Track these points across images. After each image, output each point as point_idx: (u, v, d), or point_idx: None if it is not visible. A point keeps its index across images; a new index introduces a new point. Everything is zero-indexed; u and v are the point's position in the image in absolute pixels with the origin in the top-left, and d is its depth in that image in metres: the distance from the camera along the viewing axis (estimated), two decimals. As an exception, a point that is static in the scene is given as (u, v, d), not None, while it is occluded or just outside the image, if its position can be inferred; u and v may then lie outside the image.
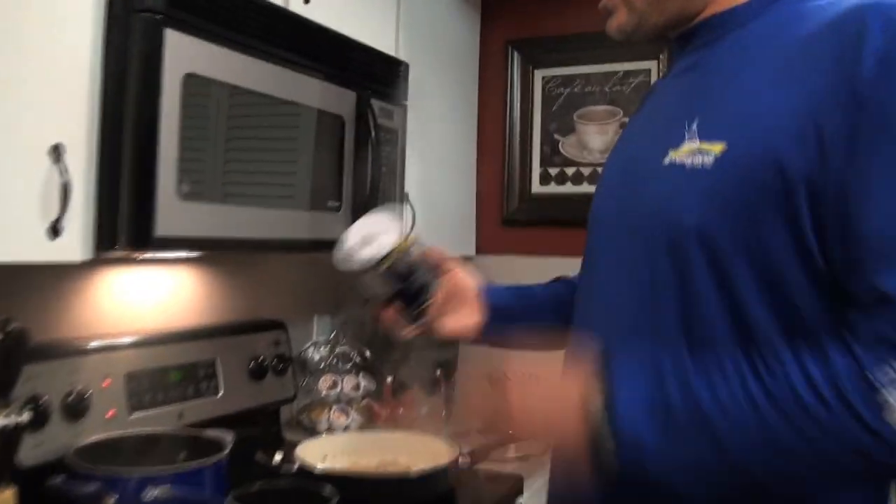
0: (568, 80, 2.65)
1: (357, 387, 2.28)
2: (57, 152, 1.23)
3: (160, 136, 1.31)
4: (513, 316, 1.32)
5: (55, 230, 1.24)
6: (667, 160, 0.93)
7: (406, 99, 2.04)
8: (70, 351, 1.63)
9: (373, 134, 1.84)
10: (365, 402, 2.30)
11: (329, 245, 1.78)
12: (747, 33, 0.96)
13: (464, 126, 2.66)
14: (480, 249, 2.78)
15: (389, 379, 2.38)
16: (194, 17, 1.36)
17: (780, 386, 0.81)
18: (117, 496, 1.36)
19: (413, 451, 1.82)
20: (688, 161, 0.90)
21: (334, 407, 2.24)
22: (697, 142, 0.90)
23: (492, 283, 1.35)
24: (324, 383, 2.26)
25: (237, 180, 1.53)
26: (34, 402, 1.48)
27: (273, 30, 1.58)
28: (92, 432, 1.58)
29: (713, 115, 0.92)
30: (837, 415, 0.78)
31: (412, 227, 1.20)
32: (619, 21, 1.06)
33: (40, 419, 1.50)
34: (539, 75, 2.72)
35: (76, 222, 1.28)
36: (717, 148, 0.88)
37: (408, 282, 1.23)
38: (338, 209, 1.79)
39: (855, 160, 0.80)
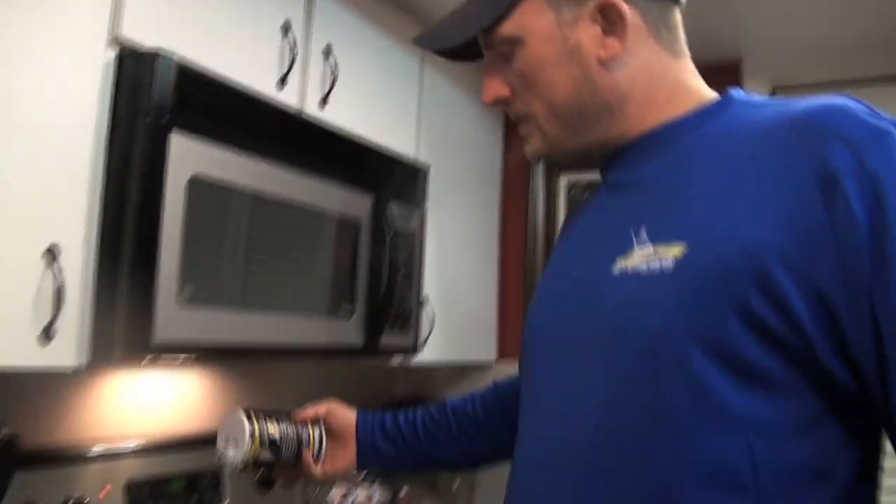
0: (592, 185, 2.63)
1: (369, 498, 2.21)
2: (52, 253, 1.20)
3: (161, 238, 1.28)
4: (382, 451, 1.35)
5: (48, 334, 1.20)
6: (616, 270, 0.87)
7: (425, 202, 2.02)
8: (67, 457, 1.59)
9: (387, 238, 1.81)
10: (378, 515, 2.23)
11: (342, 350, 1.73)
12: (687, 148, 0.91)
13: (486, 229, 2.65)
14: (502, 355, 2.72)
15: (405, 489, 2.31)
16: (203, 121, 1.36)
17: None
18: None
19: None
20: (643, 267, 0.85)
21: (346, 520, 2.17)
22: (650, 246, 0.85)
23: (369, 415, 1.37)
24: (335, 495, 2.20)
25: (242, 284, 1.50)
26: None
27: (286, 134, 1.58)
28: (88, 546, 1.52)
29: (664, 220, 0.87)
30: None
31: (254, 420, 1.25)
32: (532, 147, 1.03)
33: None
34: (563, 180, 2.70)
35: (71, 326, 1.24)
36: (675, 249, 0.82)
37: (283, 451, 1.27)
38: (351, 313, 1.75)
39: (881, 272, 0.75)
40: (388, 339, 1.87)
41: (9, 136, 1.18)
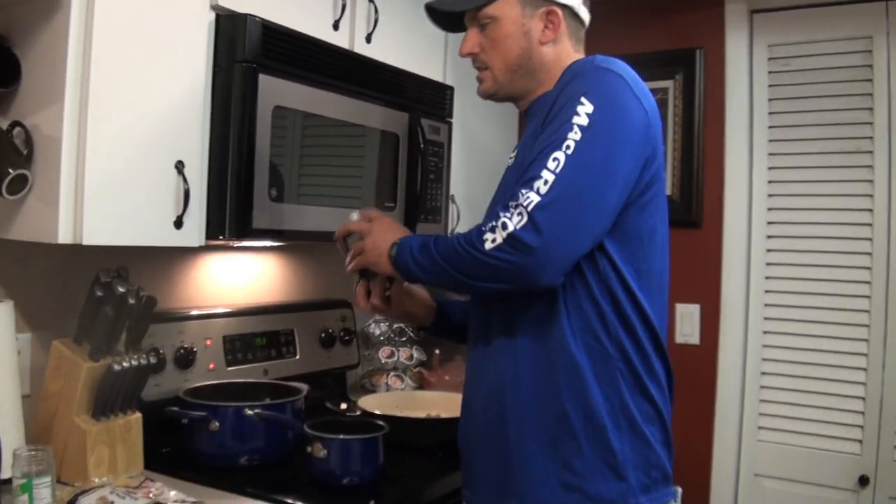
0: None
1: (410, 357, 2.70)
2: (179, 167, 1.67)
3: (256, 154, 1.74)
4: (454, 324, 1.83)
5: (178, 223, 1.69)
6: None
7: (451, 117, 2.45)
8: (181, 316, 2.09)
9: (421, 147, 2.26)
10: (417, 369, 2.72)
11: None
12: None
13: (505, 136, 2.99)
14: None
15: (437, 351, 2.78)
16: (281, 64, 1.79)
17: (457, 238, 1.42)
18: (219, 421, 1.82)
19: (453, 407, 2.10)
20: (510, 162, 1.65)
21: (391, 373, 2.66)
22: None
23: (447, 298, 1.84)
24: (383, 353, 2.68)
25: (314, 185, 1.96)
26: (155, 353, 1.87)
27: (341, 68, 2.00)
28: (197, 379, 2.03)
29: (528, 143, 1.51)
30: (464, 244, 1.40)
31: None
32: (484, 87, 1.64)
33: (159, 366, 1.94)
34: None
35: (193, 217, 1.72)
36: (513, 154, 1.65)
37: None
38: (393, 208, 2.21)
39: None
40: (422, 228, 2.30)
41: (146, 83, 1.62)
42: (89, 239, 1.54)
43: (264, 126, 1.75)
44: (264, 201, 1.76)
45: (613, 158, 1.39)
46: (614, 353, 1.45)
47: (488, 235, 1.36)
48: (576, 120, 1.37)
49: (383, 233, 1.56)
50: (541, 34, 1.56)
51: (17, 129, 1.61)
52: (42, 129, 1.57)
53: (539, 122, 1.48)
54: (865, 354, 2.64)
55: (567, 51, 1.58)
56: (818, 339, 2.73)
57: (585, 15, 1.61)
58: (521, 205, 1.34)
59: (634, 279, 1.46)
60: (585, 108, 1.38)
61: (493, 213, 1.39)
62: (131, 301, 1.67)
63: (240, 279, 2.39)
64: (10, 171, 1.55)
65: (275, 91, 1.78)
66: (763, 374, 2.83)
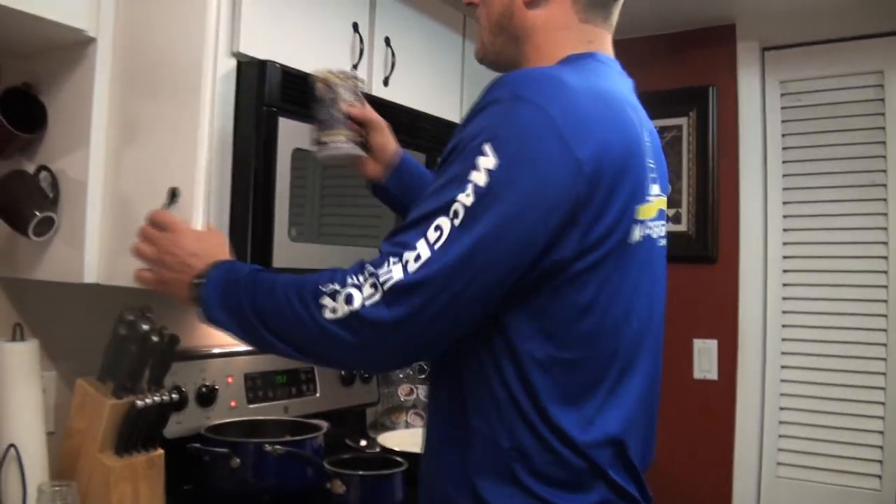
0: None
1: (429, 394, 2.71)
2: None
3: (275, 193, 1.78)
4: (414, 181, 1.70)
5: (200, 262, 1.72)
6: None
7: (468, 156, 2.48)
8: (203, 354, 2.12)
9: (438, 186, 2.29)
10: (436, 406, 2.73)
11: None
12: None
13: None
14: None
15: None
16: (300, 107, 1.83)
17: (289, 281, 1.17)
18: (240, 458, 1.84)
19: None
20: None
21: (411, 411, 2.68)
22: None
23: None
24: (402, 391, 2.70)
25: (335, 224, 2.00)
26: (177, 391, 1.92)
27: None
28: (219, 417, 2.07)
29: None
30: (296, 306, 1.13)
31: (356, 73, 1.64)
32: (476, 48, 1.41)
33: (181, 404, 1.97)
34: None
35: (215, 257, 1.76)
36: None
37: (323, 107, 1.61)
38: (410, 246, 2.24)
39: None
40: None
41: (169, 127, 1.66)
42: (114, 279, 1.58)
43: (284, 168, 1.79)
44: (284, 241, 1.80)
45: (515, 230, 1.07)
46: (507, 445, 1.15)
47: (327, 302, 1.09)
48: (472, 177, 1.07)
49: (186, 256, 1.31)
50: None
51: (43, 173, 1.66)
52: (68, 172, 1.63)
53: (453, 137, 1.18)
54: (883, 388, 2.64)
55: (563, 18, 1.27)
56: (836, 373, 2.74)
57: None
58: (379, 278, 1.07)
59: (536, 369, 1.13)
60: (487, 160, 1.07)
61: (371, 261, 1.11)
62: (155, 339, 1.71)
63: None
64: (37, 213, 1.60)
65: (295, 134, 1.82)
66: (781, 409, 2.83)
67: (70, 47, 1.62)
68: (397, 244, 1.09)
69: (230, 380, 2.15)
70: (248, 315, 1.17)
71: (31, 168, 1.69)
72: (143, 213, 1.51)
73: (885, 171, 2.67)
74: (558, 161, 1.07)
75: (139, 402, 1.69)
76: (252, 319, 1.17)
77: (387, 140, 1.73)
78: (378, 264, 1.08)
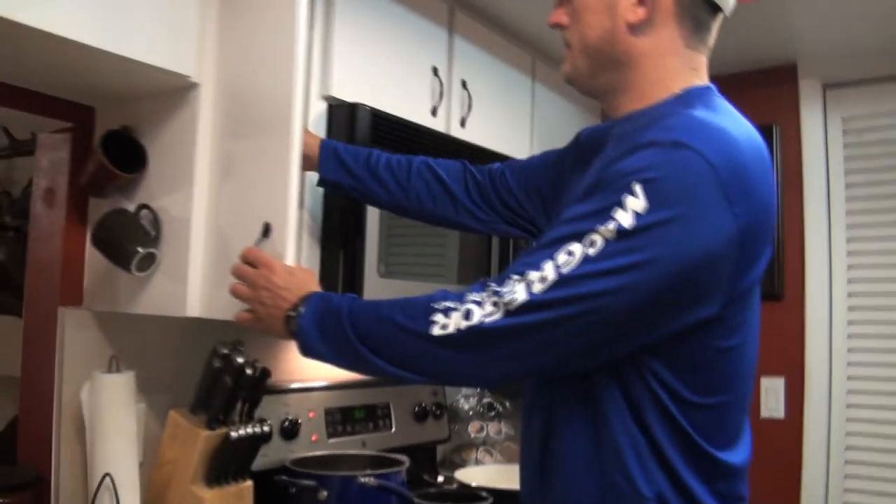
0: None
1: (499, 431, 2.73)
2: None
3: (366, 232, 1.84)
4: (346, 162, 1.69)
5: (293, 298, 1.77)
6: None
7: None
8: (286, 389, 2.16)
9: (512, 223, 2.34)
10: (506, 444, 2.74)
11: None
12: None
13: None
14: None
15: (526, 425, 2.79)
16: (387, 148, 1.87)
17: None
18: (327, 491, 1.87)
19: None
20: None
21: (481, 448, 2.69)
22: None
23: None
24: (472, 428, 2.72)
25: (418, 262, 2.04)
26: (262, 424, 1.96)
27: (439, 150, 2.08)
28: (301, 450, 2.10)
29: None
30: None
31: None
32: (564, 69, 1.30)
33: (266, 437, 2.01)
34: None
35: (306, 293, 1.80)
36: None
37: None
38: (485, 283, 2.28)
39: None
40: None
41: (265, 166, 1.69)
42: (212, 313, 1.63)
43: (374, 209, 1.85)
44: (373, 276, 1.85)
45: (647, 283, 1.02)
46: (650, 495, 1.12)
47: (439, 318, 1.09)
48: (618, 214, 1.01)
49: (279, 290, 1.35)
50: (629, 11, 1.18)
51: (144, 211, 1.73)
52: (171, 210, 1.69)
53: (598, 169, 1.12)
54: (953, 427, 2.62)
55: (670, 45, 1.20)
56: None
57: None
58: (502, 297, 1.06)
59: (682, 417, 1.11)
60: (636, 201, 1.00)
61: (497, 279, 1.10)
62: (248, 372, 1.75)
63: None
64: (140, 250, 1.66)
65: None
66: (847, 448, 2.81)
67: (173, 92, 1.69)
68: (524, 264, 1.07)
69: (311, 414, 2.19)
70: (350, 339, 1.18)
71: (130, 207, 1.75)
72: (238, 248, 1.57)
73: (951, 206, 2.68)
74: (714, 216, 1.02)
75: (233, 434, 1.73)
76: (353, 342, 1.18)
77: None
78: (501, 282, 1.07)
